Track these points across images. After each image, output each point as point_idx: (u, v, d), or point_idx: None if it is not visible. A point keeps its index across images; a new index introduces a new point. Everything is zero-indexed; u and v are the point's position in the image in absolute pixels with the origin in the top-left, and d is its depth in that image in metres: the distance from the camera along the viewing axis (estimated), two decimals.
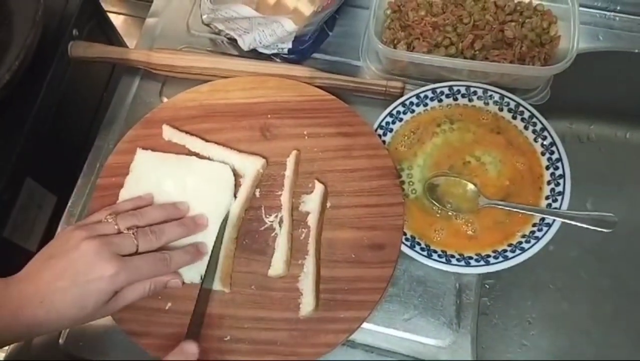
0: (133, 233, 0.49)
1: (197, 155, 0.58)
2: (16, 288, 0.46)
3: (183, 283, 0.52)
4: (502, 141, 0.61)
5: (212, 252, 0.53)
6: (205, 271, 0.52)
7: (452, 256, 0.56)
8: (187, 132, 0.59)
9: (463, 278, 0.58)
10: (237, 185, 0.57)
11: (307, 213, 0.55)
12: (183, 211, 0.54)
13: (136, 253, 0.49)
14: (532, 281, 0.75)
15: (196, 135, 0.59)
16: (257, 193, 0.57)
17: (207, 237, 0.54)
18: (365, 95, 0.65)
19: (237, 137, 0.60)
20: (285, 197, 0.56)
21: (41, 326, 0.46)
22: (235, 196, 0.56)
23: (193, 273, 0.52)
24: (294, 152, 0.58)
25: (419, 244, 0.57)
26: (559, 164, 0.59)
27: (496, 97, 0.63)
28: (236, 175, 0.57)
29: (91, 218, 0.52)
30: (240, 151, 0.58)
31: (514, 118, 0.62)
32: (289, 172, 0.57)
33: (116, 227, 0.49)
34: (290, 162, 0.57)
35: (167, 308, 0.53)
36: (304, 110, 0.60)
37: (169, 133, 0.60)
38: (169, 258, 0.50)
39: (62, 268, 0.46)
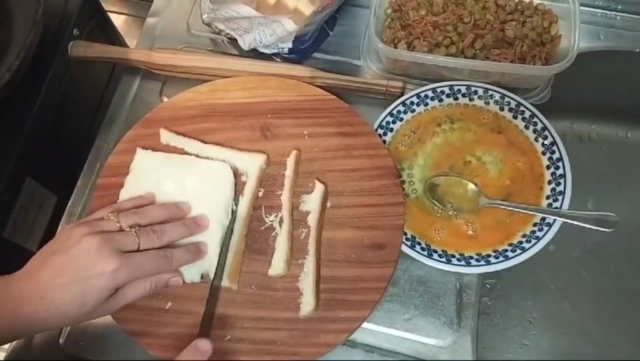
0: (135, 232, 0.49)
1: (197, 156, 0.58)
2: (16, 285, 0.46)
3: (184, 282, 0.52)
4: (503, 141, 0.61)
5: (220, 249, 0.53)
6: (216, 269, 0.52)
7: (453, 256, 0.56)
8: (184, 135, 0.59)
9: (464, 278, 0.58)
10: (238, 184, 0.57)
11: (308, 213, 0.55)
12: (185, 211, 0.54)
13: (137, 251, 0.49)
14: (533, 281, 0.75)
15: (195, 138, 0.59)
16: (259, 193, 0.57)
17: (208, 237, 0.54)
18: (365, 94, 0.65)
19: (237, 137, 0.59)
20: (285, 197, 0.56)
21: (41, 324, 0.45)
22: (242, 194, 0.56)
23: (193, 272, 0.52)
24: (294, 152, 0.57)
25: (419, 244, 0.57)
26: (560, 164, 0.59)
27: (497, 96, 0.63)
28: (237, 174, 0.57)
29: (93, 216, 0.52)
30: (240, 150, 0.58)
31: (515, 117, 0.62)
32: (289, 172, 0.57)
33: (118, 224, 0.49)
34: (290, 161, 0.57)
35: (167, 307, 0.52)
36: (304, 110, 0.60)
37: (166, 137, 0.59)
38: (170, 256, 0.50)
39: (63, 265, 0.46)
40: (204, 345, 0.48)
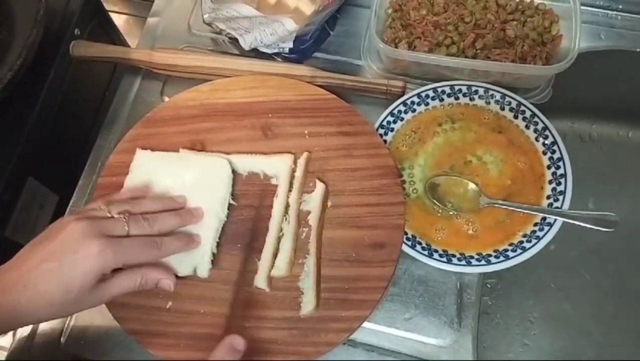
0: (124, 218, 0.48)
1: None
2: (2, 277, 0.44)
3: (176, 280, 0.51)
4: (504, 140, 0.61)
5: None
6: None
7: (453, 255, 0.56)
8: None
9: (464, 277, 0.58)
10: (270, 187, 0.57)
11: (308, 213, 0.55)
12: (180, 204, 0.53)
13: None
14: (534, 280, 0.75)
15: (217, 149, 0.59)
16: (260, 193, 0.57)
17: (204, 231, 0.53)
18: (366, 94, 0.65)
19: (238, 136, 0.60)
20: (293, 198, 0.56)
21: (25, 314, 0.44)
22: (275, 196, 0.56)
23: (186, 265, 0.52)
24: (305, 154, 0.57)
25: (419, 243, 0.57)
26: (561, 163, 0.59)
27: (498, 96, 0.63)
28: (266, 179, 0.57)
29: (84, 208, 0.51)
30: (266, 154, 0.58)
31: (516, 117, 0.62)
32: (298, 173, 0.57)
33: (108, 214, 0.48)
34: (301, 163, 0.57)
35: (167, 307, 0.53)
36: (304, 110, 0.60)
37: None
38: (159, 242, 0.49)
39: (49, 251, 0.45)
40: (239, 343, 0.46)
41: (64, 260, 0.44)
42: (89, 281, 0.45)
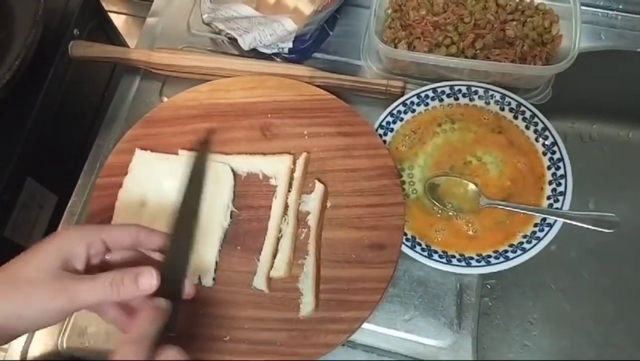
0: None
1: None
2: None
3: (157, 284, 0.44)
4: (504, 141, 0.61)
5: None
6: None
7: (453, 256, 0.56)
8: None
9: (464, 278, 0.58)
10: (268, 188, 0.57)
11: (307, 213, 0.55)
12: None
13: None
14: (534, 281, 0.75)
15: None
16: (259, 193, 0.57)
17: (207, 238, 0.53)
18: (365, 94, 0.65)
19: (238, 137, 0.59)
20: (292, 199, 0.55)
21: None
22: (274, 197, 0.56)
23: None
24: (304, 154, 0.57)
25: (419, 244, 0.56)
26: (561, 164, 0.59)
27: (497, 96, 0.62)
28: (265, 179, 0.57)
29: None
30: (265, 154, 0.58)
31: (516, 118, 0.62)
32: (297, 173, 0.56)
33: None
34: (299, 163, 0.57)
35: None
36: (304, 110, 0.60)
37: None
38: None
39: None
40: (164, 302, 0.40)
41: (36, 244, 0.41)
42: (50, 256, 0.40)
